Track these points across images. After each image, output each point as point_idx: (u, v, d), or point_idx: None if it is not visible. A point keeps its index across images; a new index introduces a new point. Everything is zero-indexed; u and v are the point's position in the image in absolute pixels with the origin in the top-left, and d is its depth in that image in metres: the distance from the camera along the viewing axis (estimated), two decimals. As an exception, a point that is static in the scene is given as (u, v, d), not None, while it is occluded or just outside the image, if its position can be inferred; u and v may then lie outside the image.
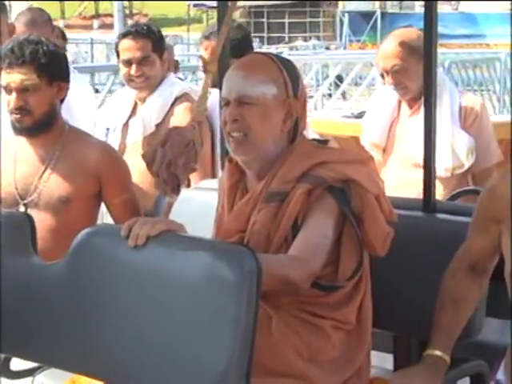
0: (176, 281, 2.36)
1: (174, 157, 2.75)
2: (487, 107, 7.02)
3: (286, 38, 29.04)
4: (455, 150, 4.39)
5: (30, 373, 3.17)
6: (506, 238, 2.43)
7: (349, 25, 26.12)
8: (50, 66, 3.48)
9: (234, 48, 4.44)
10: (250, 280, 2.25)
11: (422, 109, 4.48)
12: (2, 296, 2.62)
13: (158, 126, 4.57)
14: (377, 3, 24.35)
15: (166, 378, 2.34)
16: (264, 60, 2.98)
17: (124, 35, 4.71)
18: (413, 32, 4.82)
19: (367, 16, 23.91)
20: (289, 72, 2.90)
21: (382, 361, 3.15)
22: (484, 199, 2.60)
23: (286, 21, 29.30)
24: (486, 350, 2.88)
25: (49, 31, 4.81)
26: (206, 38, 4.85)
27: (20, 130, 3.51)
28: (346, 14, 26.50)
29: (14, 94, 3.44)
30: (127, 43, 4.65)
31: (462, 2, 28.19)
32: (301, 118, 2.92)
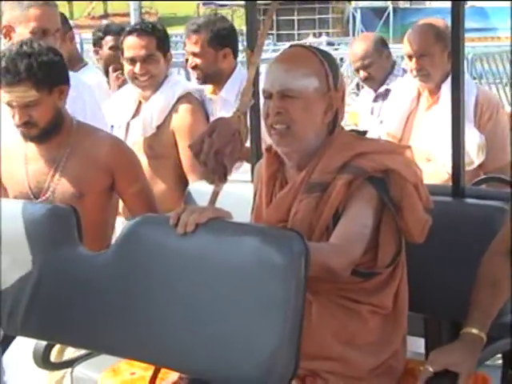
0: (226, 266, 2.37)
1: (221, 146, 2.77)
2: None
3: (296, 35, 29.08)
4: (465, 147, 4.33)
5: (68, 364, 3.21)
6: None
7: (361, 20, 26.19)
8: (46, 77, 3.41)
9: (223, 38, 4.55)
10: (299, 263, 2.26)
11: (440, 101, 4.58)
12: (51, 286, 2.64)
13: (158, 127, 4.50)
14: (389, -3, 24.47)
15: (216, 362, 2.35)
16: (305, 53, 2.98)
17: (129, 33, 4.63)
18: (440, 21, 4.82)
19: (379, 11, 23.89)
20: (329, 64, 2.91)
21: (413, 344, 3.17)
22: None
23: (296, 18, 29.26)
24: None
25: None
26: (195, 31, 4.70)
27: (29, 138, 3.50)
28: (359, 10, 26.51)
29: (17, 110, 3.40)
30: (132, 40, 4.57)
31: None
32: (340, 110, 2.94)
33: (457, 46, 3.35)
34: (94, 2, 29.20)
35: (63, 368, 3.24)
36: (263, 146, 3.42)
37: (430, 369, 2.64)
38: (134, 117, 4.65)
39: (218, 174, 2.80)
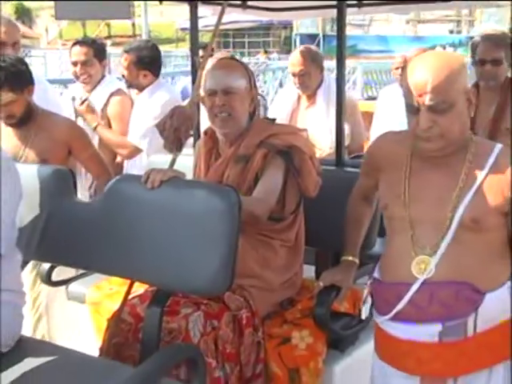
0: (182, 211, 2.38)
1: (178, 125, 2.77)
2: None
3: (246, 53, 29.52)
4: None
5: (64, 282, 3.18)
6: (383, 180, 2.43)
7: (300, 43, 26.71)
8: (19, 82, 3.38)
9: (147, 59, 4.46)
10: (235, 209, 2.30)
11: (317, 101, 4.63)
12: (56, 224, 2.63)
13: (102, 110, 4.38)
14: (320, 27, 24.77)
15: (176, 278, 2.36)
16: (235, 63, 3.03)
17: (74, 44, 4.54)
18: (313, 48, 4.93)
19: (313, 37, 24.25)
20: (249, 71, 2.96)
21: (306, 270, 3.19)
22: (368, 154, 2.59)
23: (246, 40, 29.38)
24: (374, 258, 2.82)
25: None
26: (126, 52, 4.52)
27: (9, 125, 3.47)
28: (298, 35, 27.07)
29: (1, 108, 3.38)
30: (75, 49, 4.45)
31: (371, 27, 29.07)
32: (256, 103, 2.98)
33: (341, 66, 3.45)
34: (101, 25, 28.13)
35: (61, 285, 3.19)
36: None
37: (321, 284, 2.68)
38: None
39: (175, 145, 2.80)
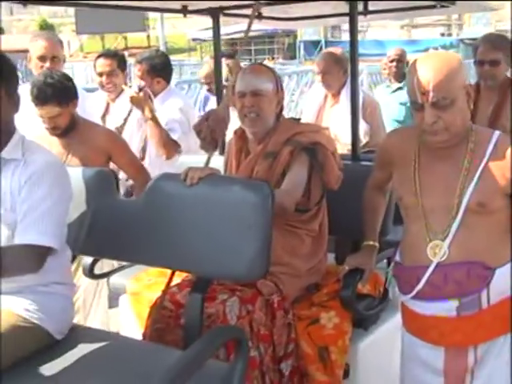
0: (220, 204, 2.40)
1: (214, 127, 2.81)
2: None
3: (253, 60, 29.62)
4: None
5: (105, 275, 3.20)
6: (396, 174, 2.48)
7: (304, 49, 26.79)
8: (64, 97, 3.41)
9: (159, 67, 4.47)
10: (268, 201, 2.32)
11: (341, 100, 4.69)
12: (100, 221, 2.65)
13: (125, 119, 4.34)
14: (322, 34, 24.89)
15: (216, 265, 2.39)
16: (264, 67, 3.07)
17: (99, 56, 4.53)
18: (338, 49, 4.95)
19: (316, 43, 24.32)
20: (276, 75, 2.98)
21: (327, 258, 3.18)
22: (381, 150, 2.62)
23: (253, 48, 29.38)
24: (393, 244, 2.84)
25: None
26: (139, 62, 4.51)
27: (54, 135, 3.50)
28: (302, 42, 27.19)
29: (46, 120, 3.42)
30: (101, 61, 4.44)
31: (367, 32, 29.26)
32: (283, 104, 3.00)
33: (354, 68, 3.47)
34: (119, 38, 27.81)
35: (102, 278, 3.22)
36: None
37: (346, 267, 2.73)
38: (104, 114, 4.51)
39: (212, 145, 2.84)
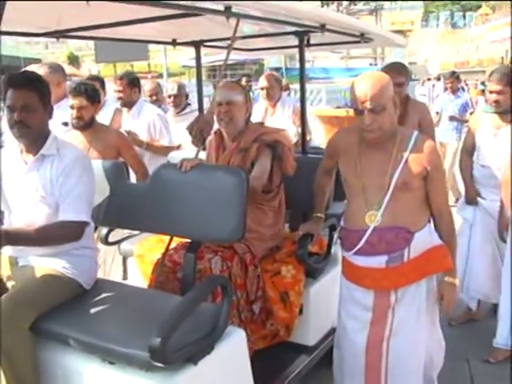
0: (208, 185, 2.39)
1: (202, 127, 2.81)
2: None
3: None
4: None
5: (116, 242, 3.17)
6: (341, 161, 2.48)
7: None
8: (91, 96, 3.41)
9: (135, 81, 4.31)
10: (244, 183, 2.32)
11: (277, 111, 4.85)
12: (116, 200, 2.62)
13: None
14: (283, 62, 24.77)
15: (205, 230, 2.36)
16: (236, 84, 3.05)
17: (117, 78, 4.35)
18: (275, 73, 5.29)
19: (278, 69, 24.22)
20: (245, 90, 2.95)
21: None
22: (330, 143, 2.59)
23: (228, 73, 28.85)
24: (333, 216, 2.94)
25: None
26: (120, 79, 4.30)
27: (76, 128, 3.46)
28: (268, 69, 27.13)
29: (75, 110, 3.40)
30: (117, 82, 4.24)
31: (314, 62, 29.33)
32: (251, 112, 2.98)
33: (302, 85, 3.45)
34: (127, 65, 26.75)
35: (115, 244, 3.18)
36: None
37: (301, 232, 2.75)
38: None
39: (200, 141, 2.83)
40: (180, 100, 4.90)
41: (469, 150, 3.78)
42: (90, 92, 3.42)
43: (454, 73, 7.75)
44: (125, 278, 3.18)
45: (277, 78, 4.85)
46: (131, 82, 4.33)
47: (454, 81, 7.45)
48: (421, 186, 2.33)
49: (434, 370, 2.63)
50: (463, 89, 11.48)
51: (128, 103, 4.31)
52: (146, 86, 5.50)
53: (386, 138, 2.31)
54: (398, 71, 3.71)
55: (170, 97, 4.89)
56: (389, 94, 2.25)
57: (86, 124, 3.46)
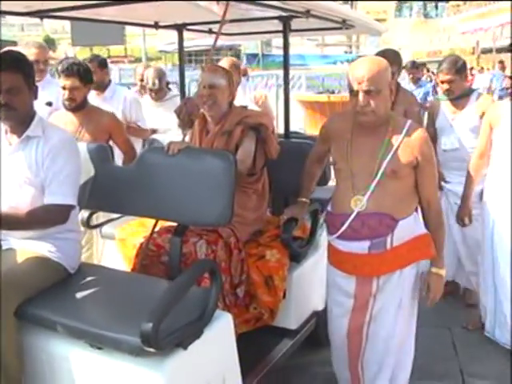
0: (195, 168, 2.36)
1: (191, 110, 2.74)
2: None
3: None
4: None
5: (98, 226, 3.10)
6: (333, 146, 2.46)
7: (246, 59, 26.48)
8: (84, 76, 3.32)
9: (104, 63, 4.29)
10: (232, 166, 2.29)
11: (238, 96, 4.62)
12: (100, 182, 2.56)
13: None
14: (259, 48, 24.73)
15: (192, 214, 2.33)
16: (219, 68, 2.99)
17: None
18: (235, 59, 4.96)
19: (255, 55, 24.07)
20: (229, 74, 2.89)
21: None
22: (323, 128, 2.56)
23: (204, 58, 28.54)
24: (317, 201, 2.95)
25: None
26: (91, 61, 4.14)
27: (69, 108, 3.38)
28: (245, 55, 27.02)
29: (67, 92, 3.31)
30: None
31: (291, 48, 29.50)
32: (234, 95, 2.94)
33: (286, 72, 3.42)
34: (103, 49, 25.80)
35: (96, 228, 3.12)
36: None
37: (285, 217, 2.74)
38: None
39: (188, 124, 2.77)
40: (161, 93, 4.82)
41: (431, 136, 3.83)
42: (83, 72, 3.32)
43: (414, 63, 7.96)
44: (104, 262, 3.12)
45: (235, 64, 4.79)
46: (101, 64, 4.26)
47: (414, 71, 7.66)
48: (409, 175, 2.32)
49: (401, 371, 2.56)
50: (430, 79, 11.69)
51: (100, 85, 4.22)
52: (138, 69, 5.41)
53: (379, 124, 2.29)
54: (390, 60, 3.72)
55: (151, 90, 4.81)
56: (386, 79, 2.23)
57: (78, 105, 3.37)
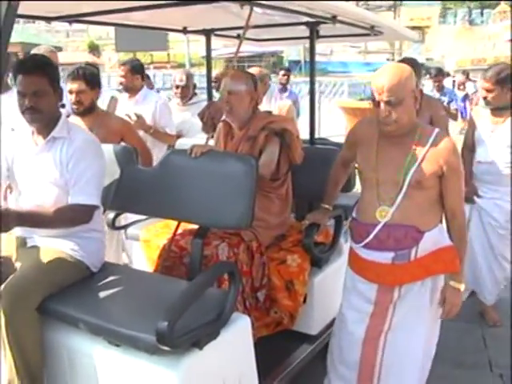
0: (218, 171, 2.36)
1: (214, 114, 2.77)
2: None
3: None
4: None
5: (123, 227, 3.14)
6: (359, 153, 2.41)
7: (289, 66, 26.67)
8: (91, 81, 3.31)
9: (137, 68, 4.27)
10: (254, 170, 2.29)
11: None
12: (125, 184, 2.60)
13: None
14: (301, 54, 24.66)
15: (214, 217, 2.33)
16: (242, 73, 2.98)
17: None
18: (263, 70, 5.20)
19: (297, 62, 24.06)
20: (254, 79, 2.88)
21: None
22: (350, 133, 2.52)
23: (246, 64, 28.75)
24: (339, 207, 2.92)
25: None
26: (123, 64, 4.31)
27: (76, 113, 3.38)
28: (287, 61, 26.97)
29: (74, 95, 3.31)
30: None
31: (332, 56, 29.17)
32: (258, 101, 2.91)
33: (312, 77, 3.44)
34: (146, 55, 26.08)
35: (122, 229, 3.16)
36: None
37: (307, 222, 2.73)
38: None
39: (211, 128, 2.79)
40: (187, 91, 4.86)
41: (469, 146, 3.75)
42: (89, 76, 3.33)
43: (440, 70, 7.96)
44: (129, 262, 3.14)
45: (261, 74, 4.85)
46: (133, 68, 4.32)
47: (440, 79, 7.68)
48: (435, 185, 2.26)
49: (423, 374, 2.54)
50: (464, 87, 11.65)
51: (130, 89, 4.30)
52: (176, 75, 5.52)
53: (404, 133, 2.24)
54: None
55: (177, 87, 4.86)
56: (408, 88, 2.16)
57: (85, 109, 3.39)
